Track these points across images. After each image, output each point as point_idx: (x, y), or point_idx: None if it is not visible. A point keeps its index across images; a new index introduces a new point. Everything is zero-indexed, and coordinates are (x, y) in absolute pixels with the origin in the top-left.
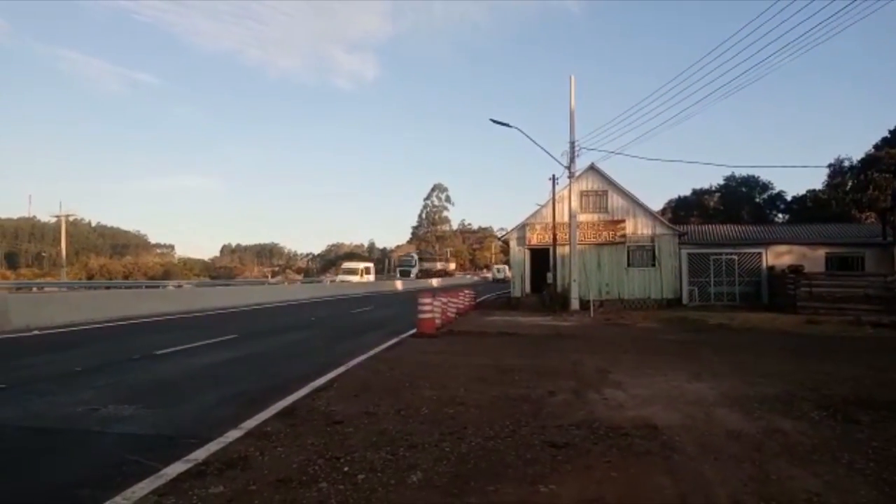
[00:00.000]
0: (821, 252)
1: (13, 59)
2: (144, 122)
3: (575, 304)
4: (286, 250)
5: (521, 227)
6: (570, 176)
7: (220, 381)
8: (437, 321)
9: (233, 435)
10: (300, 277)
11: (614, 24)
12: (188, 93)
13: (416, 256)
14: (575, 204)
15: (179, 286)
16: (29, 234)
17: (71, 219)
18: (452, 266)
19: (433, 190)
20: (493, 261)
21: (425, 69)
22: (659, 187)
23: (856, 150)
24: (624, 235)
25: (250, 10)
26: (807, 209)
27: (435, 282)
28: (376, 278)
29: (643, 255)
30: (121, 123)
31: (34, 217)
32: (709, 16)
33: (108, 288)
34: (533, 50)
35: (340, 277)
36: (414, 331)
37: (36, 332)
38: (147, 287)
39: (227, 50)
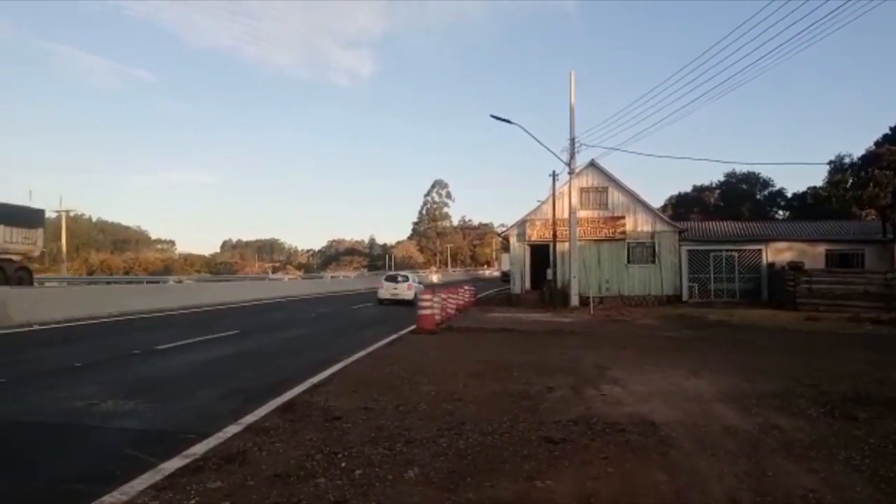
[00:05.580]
0: (821, 249)
1: (9, 53)
2: (143, 118)
3: (575, 301)
4: (286, 246)
5: (522, 224)
6: (571, 172)
7: (220, 377)
8: (437, 317)
9: (231, 430)
10: (300, 273)
11: (614, 20)
12: (185, 89)
13: None
14: (575, 200)
15: (180, 282)
16: None
17: (71, 214)
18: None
19: (433, 186)
20: (493, 257)
21: (422, 65)
22: (659, 184)
23: (857, 147)
24: (624, 232)
25: (244, 6)
26: (807, 206)
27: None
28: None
29: (643, 251)
30: (120, 119)
31: None
32: (710, 12)
33: (108, 283)
34: (531, 46)
35: None
36: (413, 327)
37: (36, 327)
38: (148, 283)
39: (222, 46)
